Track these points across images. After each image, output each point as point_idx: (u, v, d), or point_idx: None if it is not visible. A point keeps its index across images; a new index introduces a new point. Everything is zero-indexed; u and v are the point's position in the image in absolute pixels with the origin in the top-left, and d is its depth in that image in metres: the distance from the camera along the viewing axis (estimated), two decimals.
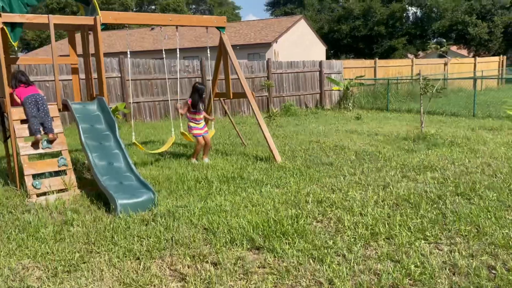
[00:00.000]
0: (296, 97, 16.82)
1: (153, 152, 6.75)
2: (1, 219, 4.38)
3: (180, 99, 14.28)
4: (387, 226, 3.87)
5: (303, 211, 4.28)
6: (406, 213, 4.17)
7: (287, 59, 20.42)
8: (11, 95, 5.61)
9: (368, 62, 21.73)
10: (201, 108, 6.84)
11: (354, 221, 4.02)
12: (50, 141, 5.38)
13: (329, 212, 4.29)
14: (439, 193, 4.77)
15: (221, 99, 8.27)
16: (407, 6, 39.89)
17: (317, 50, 29.73)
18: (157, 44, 28.36)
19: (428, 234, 3.68)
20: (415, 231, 3.74)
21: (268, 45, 25.55)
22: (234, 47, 7.51)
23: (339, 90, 17.44)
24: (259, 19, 31.68)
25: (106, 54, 21.88)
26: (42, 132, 5.31)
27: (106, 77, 13.08)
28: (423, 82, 8.19)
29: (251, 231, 3.80)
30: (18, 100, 5.51)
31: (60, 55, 7.36)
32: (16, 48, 5.56)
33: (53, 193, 5.06)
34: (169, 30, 30.97)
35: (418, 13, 41.91)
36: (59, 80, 11.78)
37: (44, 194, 5.04)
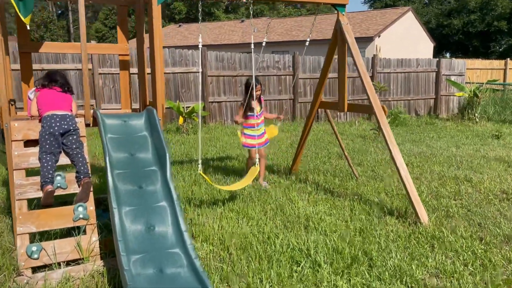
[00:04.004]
0: (405, 102, 13.80)
1: (227, 189, 4.57)
2: None
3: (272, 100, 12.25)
4: None
5: None
6: None
7: (390, 55, 17.25)
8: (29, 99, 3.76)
9: (497, 63, 17.72)
10: (254, 107, 5.23)
11: None
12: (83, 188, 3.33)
13: None
14: None
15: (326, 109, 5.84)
16: None
17: (423, 47, 25.75)
18: (247, 37, 26.62)
19: None
20: None
21: (369, 40, 22.39)
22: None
23: (462, 96, 13.99)
24: (359, 11, 28.32)
25: (191, 47, 20.41)
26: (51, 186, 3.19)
27: (186, 72, 11.42)
28: None
29: None
30: (35, 109, 3.55)
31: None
32: (28, 27, 3.63)
33: (59, 266, 3.08)
34: (259, 23, 29.14)
35: None
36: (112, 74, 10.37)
37: (45, 266, 3.09)
